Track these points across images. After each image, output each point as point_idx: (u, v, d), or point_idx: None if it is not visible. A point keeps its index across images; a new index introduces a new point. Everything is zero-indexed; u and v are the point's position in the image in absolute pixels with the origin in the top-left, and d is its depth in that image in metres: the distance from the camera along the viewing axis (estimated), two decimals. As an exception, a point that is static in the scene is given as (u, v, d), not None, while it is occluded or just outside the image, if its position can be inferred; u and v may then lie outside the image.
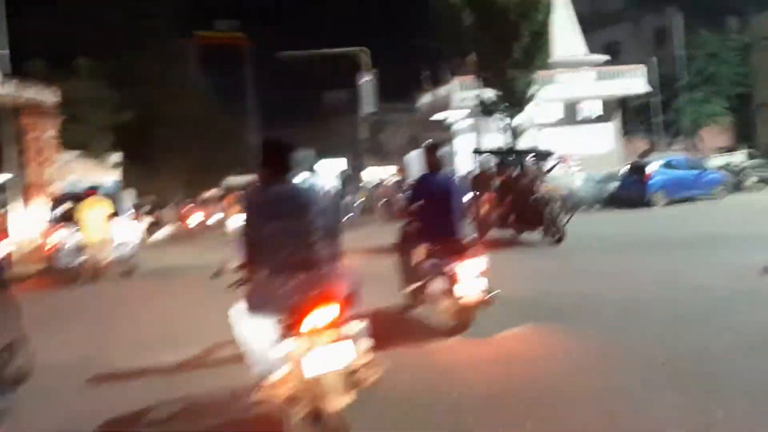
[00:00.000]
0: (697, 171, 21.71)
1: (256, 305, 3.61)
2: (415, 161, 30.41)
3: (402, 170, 33.68)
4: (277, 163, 3.58)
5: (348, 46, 42.87)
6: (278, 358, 3.58)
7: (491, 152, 17.00)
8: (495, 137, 24.62)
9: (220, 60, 46.18)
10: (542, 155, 15.13)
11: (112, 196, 14.75)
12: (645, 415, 4.06)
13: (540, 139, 26.01)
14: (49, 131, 19.69)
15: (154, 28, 27.36)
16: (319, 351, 3.43)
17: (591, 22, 36.34)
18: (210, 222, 26.51)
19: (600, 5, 42.04)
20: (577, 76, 32.81)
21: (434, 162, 6.53)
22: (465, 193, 6.67)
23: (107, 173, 22.27)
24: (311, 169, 49.47)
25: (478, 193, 13.69)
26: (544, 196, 13.35)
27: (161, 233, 22.54)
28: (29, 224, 18.06)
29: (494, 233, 14.01)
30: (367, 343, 3.87)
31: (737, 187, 22.96)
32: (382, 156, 42.77)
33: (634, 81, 32.99)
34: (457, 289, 6.08)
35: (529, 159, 15.09)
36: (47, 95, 19.69)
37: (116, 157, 23.32)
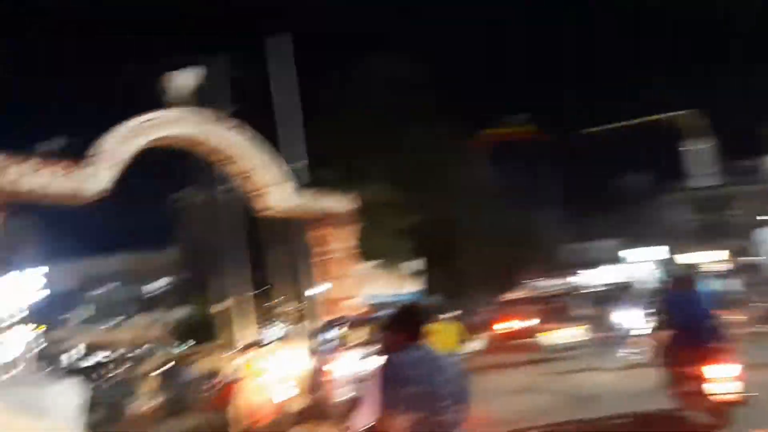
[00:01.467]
0: None
1: None
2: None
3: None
4: (411, 328, 3.73)
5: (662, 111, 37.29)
6: None
7: None
8: None
9: (511, 154, 44.20)
10: None
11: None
12: None
13: None
14: (346, 241, 18.46)
15: (442, 127, 25.99)
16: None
17: None
18: (516, 329, 23.14)
19: None
20: None
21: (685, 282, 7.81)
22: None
23: (410, 282, 20.58)
24: (618, 261, 44.14)
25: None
26: None
27: (474, 344, 19.57)
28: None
29: None
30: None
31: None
32: (712, 238, 35.98)
33: None
34: (713, 389, 6.97)
35: None
36: (343, 203, 18.63)
37: (416, 264, 21.49)
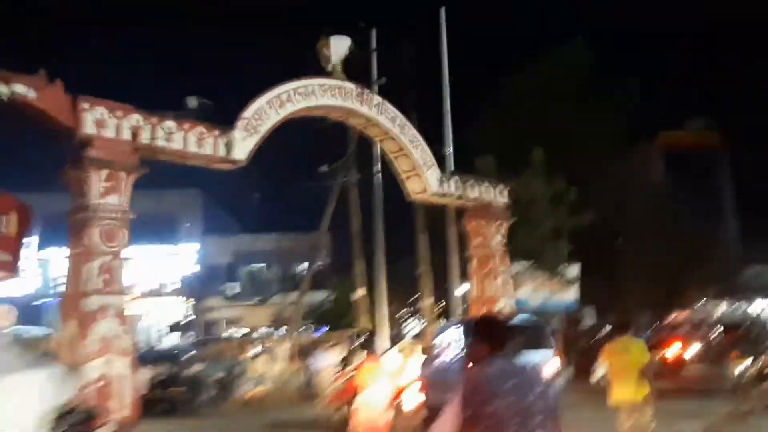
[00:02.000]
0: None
1: None
2: None
3: None
4: (496, 337, 3.48)
5: None
6: None
7: None
8: None
9: (689, 162, 40.05)
10: None
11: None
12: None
13: None
14: (499, 236, 16.68)
15: (617, 125, 23.48)
16: None
17: None
18: (688, 356, 20.32)
19: None
20: None
21: None
22: None
23: (563, 289, 18.45)
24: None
25: None
26: None
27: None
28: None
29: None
30: None
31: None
32: None
33: None
34: None
35: None
36: (499, 195, 16.87)
37: (572, 270, 19.23)
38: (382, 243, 18.35)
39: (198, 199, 45.20)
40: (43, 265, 42.90)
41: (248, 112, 12.26)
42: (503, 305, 16.25)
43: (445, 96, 17.24)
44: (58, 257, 43.67)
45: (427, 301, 18.31)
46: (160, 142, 11.05)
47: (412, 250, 19.19)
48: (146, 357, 17.27)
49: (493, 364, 3.35)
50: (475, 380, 3.32)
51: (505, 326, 3.59)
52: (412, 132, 15.06)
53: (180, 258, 42.51)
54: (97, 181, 10.22)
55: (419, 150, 15.19)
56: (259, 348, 18.80)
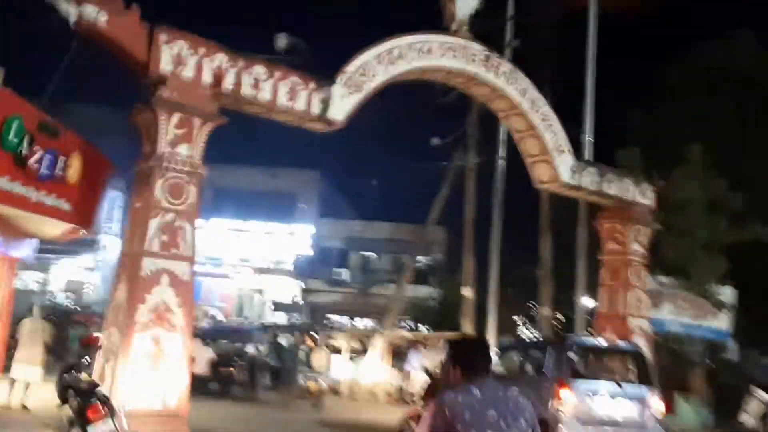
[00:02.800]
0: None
1: None
2: None
3: None
4: (472, 360, 3.09)
5: None
6: None
7: None
8: None
9: None
10: None
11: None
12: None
13: None
14: (635, 244, 14.02)
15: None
16: None
17: None
18: None
19: None
20: None
21: None
22: None
23: (712, 314, 15.35)
24: None
25: None
26: None
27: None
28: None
29: None
30: None
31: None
32: None
33: None
34: None
35: None
36: (638, 195, 14.21)
37: (728, 292, 16.02)
38: (498, 238, 16.13)
39: (315, 181, 44.65)
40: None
41: (352, 66, 10.47)
42: (638, 324, 13.63)
43: (589, 72, 14.73)
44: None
45: (545, 311, 15.85)
46: (246, 90, 9.47)
47: (533, 251, 16.80)
48: (208, 334, 16.10)
49: (468, 391, 2.93)
50: (445, 408, 2.89)
51: (485, 348, 3.14)
52: (544, 109, 12.73)
53: (294, 238, 42.13)
54: (166, 126, 8.80)
55: (551, 132, 12.85)
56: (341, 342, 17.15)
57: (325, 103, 10.15)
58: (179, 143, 8.86)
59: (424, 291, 24.63)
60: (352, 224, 42.98)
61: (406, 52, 11.01)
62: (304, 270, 37.96)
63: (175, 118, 8.82)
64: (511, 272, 17.13)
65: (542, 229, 15.38)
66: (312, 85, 10.05)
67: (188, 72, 8.98)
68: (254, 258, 42.05)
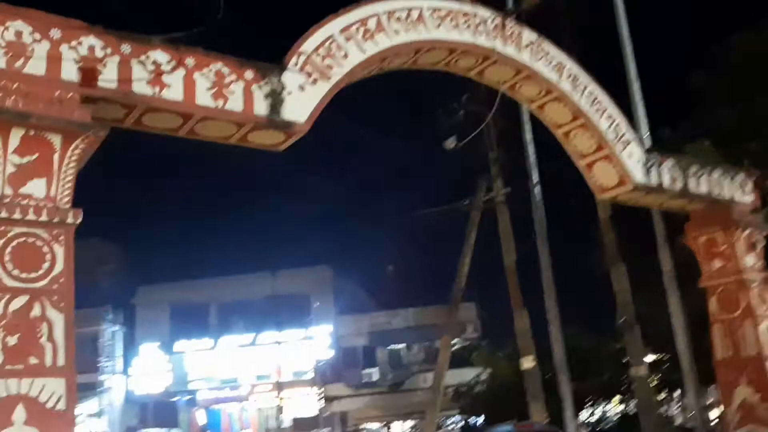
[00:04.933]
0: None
1: None
2: None
3: None
4: None
5: None
6: None
7: None
8: None
9: None
10: None
11: None
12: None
13: None
14: (748, 257, 10.12)
15: None
16: None
17: None
18: None
19: None
20: None
21: None
22: None
23: None
24: None
25: None
26: None
27: None
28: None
29: None
30: None
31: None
32: None
33: None
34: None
35: None
36: (736, 190, 10.44)
37: None
38: (552, 285, 12.25)
39: (328, 277, 41.03)
40: (175, 359, 40.07)
41: (309, 44, 7.00)
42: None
43: (626, 47, 11.32)
44: (190, 350, 41.03)
45: (640, 371, 11.50)
46: (141, 88, 5.97)
47: (601, 292, 12.87)
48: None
49: None
50: None
51: None
52: (591, 87, 9.15)
53: (313, 342, 38.08)
54: (6, 153, 5.26)
55: (607, 117, 9.23)
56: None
57: (275, 99, 6.61)
58: (28, 178, 5.28)
59: (467, 375, 20.36)
60: (374, 317, 38.99)
61: (385, 22, 7.58)
62: (326, 376, 33.70)
63: (16, 137, 5.28)
64: (582, 325, 13.15)
65: (609, 259, 11.48)
66: (250, 73, 6.54)
67: (35, 66, 5.52)
68: (273, 372, 37.96)
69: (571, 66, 9.02)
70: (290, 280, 37.98)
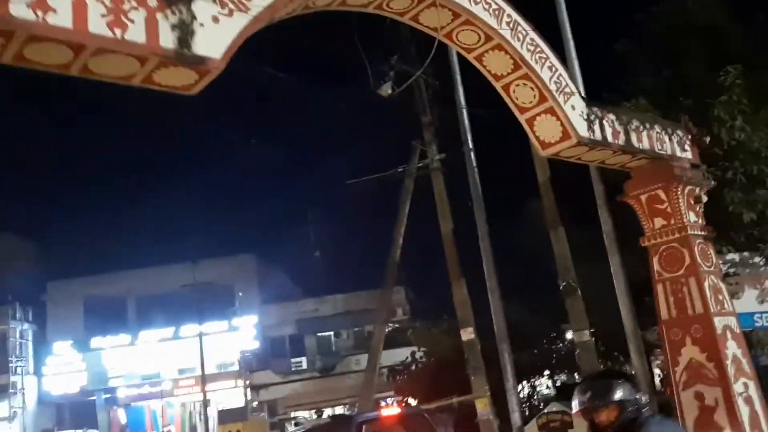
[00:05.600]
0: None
1: None
2: None
3: None
4: None
5: None
6: None
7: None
8: None
9: None
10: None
11: None
12: None
13: None
14: (690, 215, 9.87)
15: None
16: None
17: None
18: None
19: None
20: None
21: None
22: None
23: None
24: None
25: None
26: None
27: None
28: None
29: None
30: None
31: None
32: None
33: None
34: None
35: None
36: (676, 146, 10.16)
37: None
38: (490, 251, 11.72)
39: (251, 265, 39.79)
40: (91, 357, 37.99)
41: (223, -28, 6.08)
42: (722, 326, 9.32)
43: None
44: (108, 347, 38.92)
45: (582, 335, 11.10)
46: (21, 11, 4.93)
47: (539, 257, 12.43)
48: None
49: None
50: None
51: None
52: (532, 35, 8.59)
53: (238, 333, 36.82)
54: None
55: (548, 67, 8.70)
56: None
57: (184, 30, 5.67)
58: None
59: (400, 355, 19.80)
60: (301, 304, 38.07)
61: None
62: (252, 366, 32.60)
63: None
64: (519, 296, 12.69)
65: (549, 222, 11.02)
66: (153, 1, 5.58)
67: None
68: (196, 365, 36.48)
69: (510, 12, 8.41)
70: (212, 269, 36.56)
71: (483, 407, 11.40)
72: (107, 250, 44.62)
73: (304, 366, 35.52)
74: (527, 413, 12.14)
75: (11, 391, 37.29)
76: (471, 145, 12.41)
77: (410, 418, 10.66)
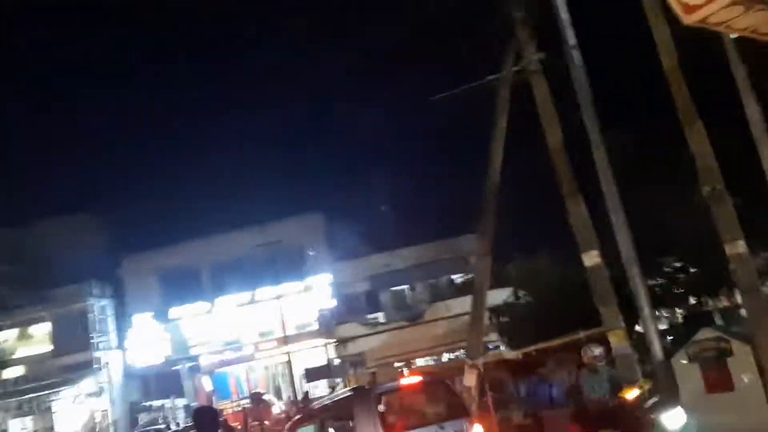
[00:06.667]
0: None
1: None
2: None
3: None
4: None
5: None
6: None
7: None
8: None
9: None
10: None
11: None
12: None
13: None
14: None
15: None
16: None
17: None
18: None
19: None
20: None
21: None
22: None
23: None
24: None
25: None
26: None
27: None
28: None
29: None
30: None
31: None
32: None
33: None
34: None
35: None
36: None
37: None
38: (607, 163, 10.01)
39: (319, 223, 38.91)
40: (172, 327, 38.12)
41: None
42: None
43: None
44: (187, 316, 38.99)
45: (736, 246, 9.23)
46: None
47: (671, 165, 10.72)
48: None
49: None
50: None
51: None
52: None
53: (313, 293, 36.21)
54: None
55: None
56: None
57: None
58: None
59: (495, 297, 18.21)
60: (372, 259, 36.99)
61: None
62: (332, 324, 31.88)
63: None
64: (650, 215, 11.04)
65: (683, 118, 9.20)
66: None
67: None
68: (275, 328, 36.14)
69: None
70: (280, 230, 35.95)
71: (618, 341, 9.93)
72: (177, 221, 44.67)
73: (382, 321, 34.68)
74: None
75: (96, 366, 37.79)
76: (575, 41, 10.70)
77: (431, 386, 9.91)
